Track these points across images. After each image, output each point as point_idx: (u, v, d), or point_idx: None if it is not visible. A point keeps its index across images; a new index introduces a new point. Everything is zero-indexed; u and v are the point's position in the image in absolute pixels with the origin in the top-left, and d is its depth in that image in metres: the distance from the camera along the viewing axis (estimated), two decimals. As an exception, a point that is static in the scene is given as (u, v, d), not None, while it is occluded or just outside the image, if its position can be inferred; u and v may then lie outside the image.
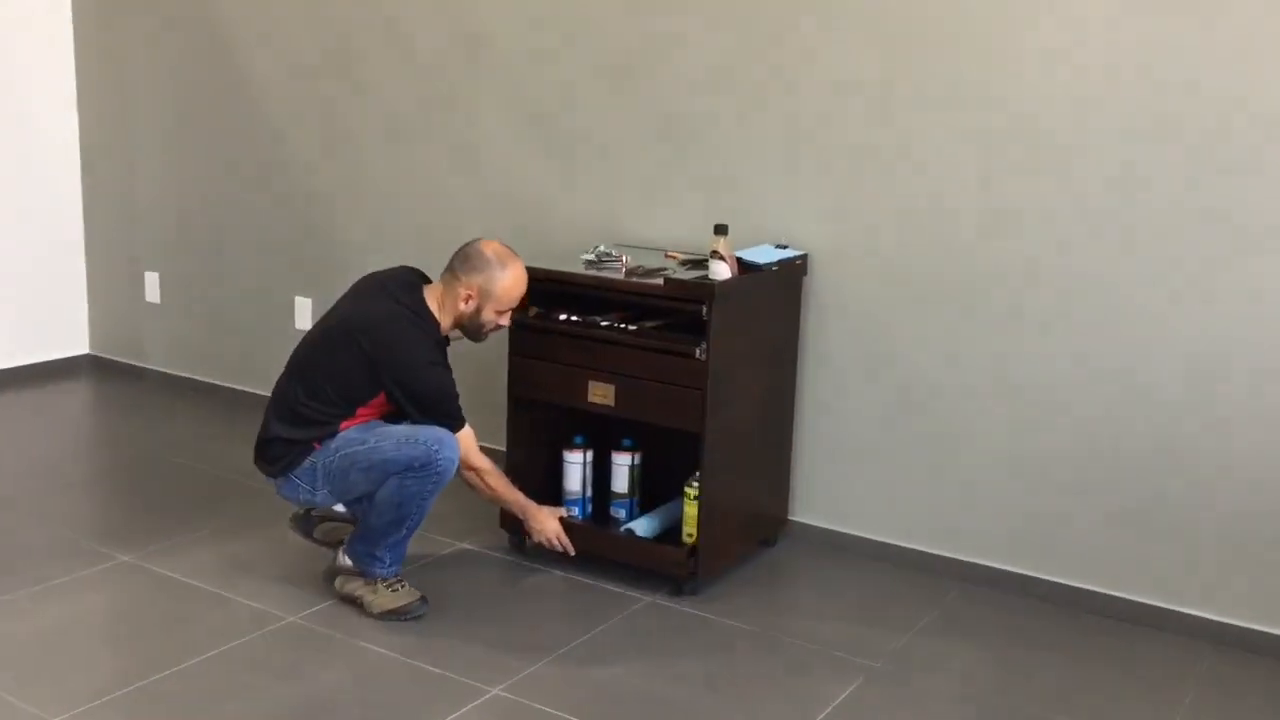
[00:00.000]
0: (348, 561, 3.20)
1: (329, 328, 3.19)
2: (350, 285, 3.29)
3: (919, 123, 3.36)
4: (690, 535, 3.34)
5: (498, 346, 3.48)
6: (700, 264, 3.33)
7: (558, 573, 3.45)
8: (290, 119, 4.60)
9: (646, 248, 3.75)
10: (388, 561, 3.16)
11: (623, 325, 3.30)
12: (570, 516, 3.48)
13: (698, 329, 3.16)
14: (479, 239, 3.22)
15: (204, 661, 2.89)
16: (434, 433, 3.05)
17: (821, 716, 2.75)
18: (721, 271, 3.19)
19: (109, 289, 5.37)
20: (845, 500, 3.65)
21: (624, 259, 3.45)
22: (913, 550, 3.55)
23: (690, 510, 3.33)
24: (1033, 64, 3.18)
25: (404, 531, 3.13)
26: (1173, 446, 3.14)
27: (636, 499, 3.57)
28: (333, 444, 3.09)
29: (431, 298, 3.16)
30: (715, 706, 2.79)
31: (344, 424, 3.11)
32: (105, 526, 3.73)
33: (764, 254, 3.41)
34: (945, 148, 3.33)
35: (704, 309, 3.13)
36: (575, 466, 3.55)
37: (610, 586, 3.36)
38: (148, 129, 5.10)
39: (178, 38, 4.90)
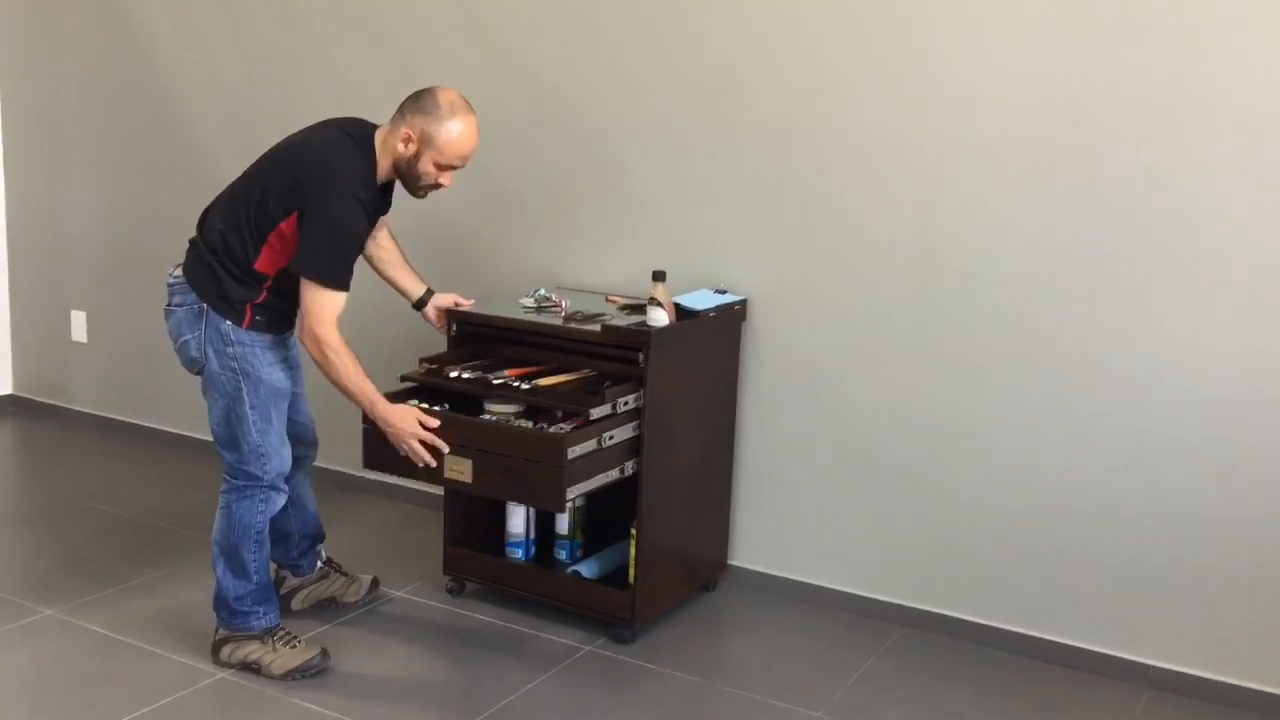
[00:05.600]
0: (225, 631, 3.08)
1: (266, 153, 3.02)
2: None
3: (856, 168, 3.38)
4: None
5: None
6: (642, 308, 3.32)
7: (497, 621, 3.40)
8: (226, 156, 4.52)
9: (588, 291, 3.73)
10: (262, 612, 3.06)
11: (518, 383, 3.16)
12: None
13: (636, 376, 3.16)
14: (439, 85, 3.02)
15: (131, 722, 2.81)
16: (273, 459, 2.99)
17: (763, 769, 2.74)
18: (659, 318, 3.18)
19: (34, 328, 5.25)
20: (785, 545, 3.64)
21: (563, 304, 3.43)
22: (853, 595, 3.55)
23: (635, 553, 3.30)
24: (966, 109, 3.22)
25: (254, 577, 3.03)
26: (1112, 493, 3.17)
27: (580, 541, 3.54)
28: (246, 347, 2.95)
29: (378, 137, 2.98)
30: (657, 760, 2.77)
31: (258, 264, 2.93)
32: (27, 578, 3.61)
33: (703, 299, 3.41)
34: (883, 192, 3.35)
35: (640, 356, 3.12)
36: (518, 509, 3.51)
37: (549, 635, 3.32)
38: (75, 162, 4.99)
39: (107, 70, 4.82)
